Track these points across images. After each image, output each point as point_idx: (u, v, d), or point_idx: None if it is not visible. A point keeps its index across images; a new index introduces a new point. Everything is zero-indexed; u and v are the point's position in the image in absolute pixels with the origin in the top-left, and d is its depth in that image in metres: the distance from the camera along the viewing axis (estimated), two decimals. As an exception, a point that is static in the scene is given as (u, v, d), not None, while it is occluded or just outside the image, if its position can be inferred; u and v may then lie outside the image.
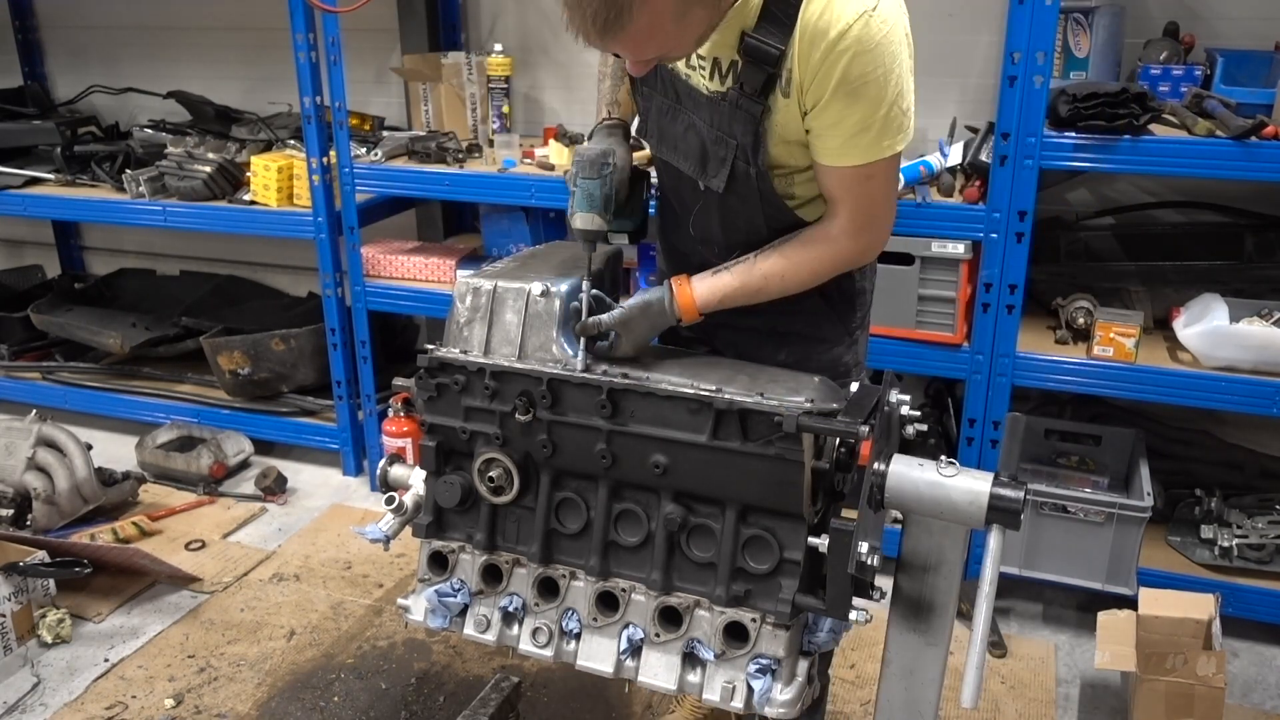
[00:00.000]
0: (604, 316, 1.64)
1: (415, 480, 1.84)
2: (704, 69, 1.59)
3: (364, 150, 3.24)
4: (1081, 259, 2.86)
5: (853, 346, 1.85)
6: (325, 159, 3.22)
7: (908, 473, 1.43)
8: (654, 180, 1.89)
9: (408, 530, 1.82)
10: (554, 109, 3.59)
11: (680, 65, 1.62)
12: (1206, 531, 2.71)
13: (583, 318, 1.64)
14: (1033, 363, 2.60)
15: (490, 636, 1.75)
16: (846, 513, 1.50)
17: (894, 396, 1.51)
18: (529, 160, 3.10)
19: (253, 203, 3.38)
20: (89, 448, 3.21)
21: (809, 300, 1.73)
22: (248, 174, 3.41)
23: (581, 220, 1.62)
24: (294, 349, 3.59)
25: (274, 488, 3.46)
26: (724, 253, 1.74)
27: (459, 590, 1.76)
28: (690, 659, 1.64)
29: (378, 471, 1.88)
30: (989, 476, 1.41)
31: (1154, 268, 2.78)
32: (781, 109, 1.54)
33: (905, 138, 1.55)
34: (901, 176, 2.52)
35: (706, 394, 1.53)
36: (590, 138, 1.82)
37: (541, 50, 3.54)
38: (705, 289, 1.66)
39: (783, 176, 1.64)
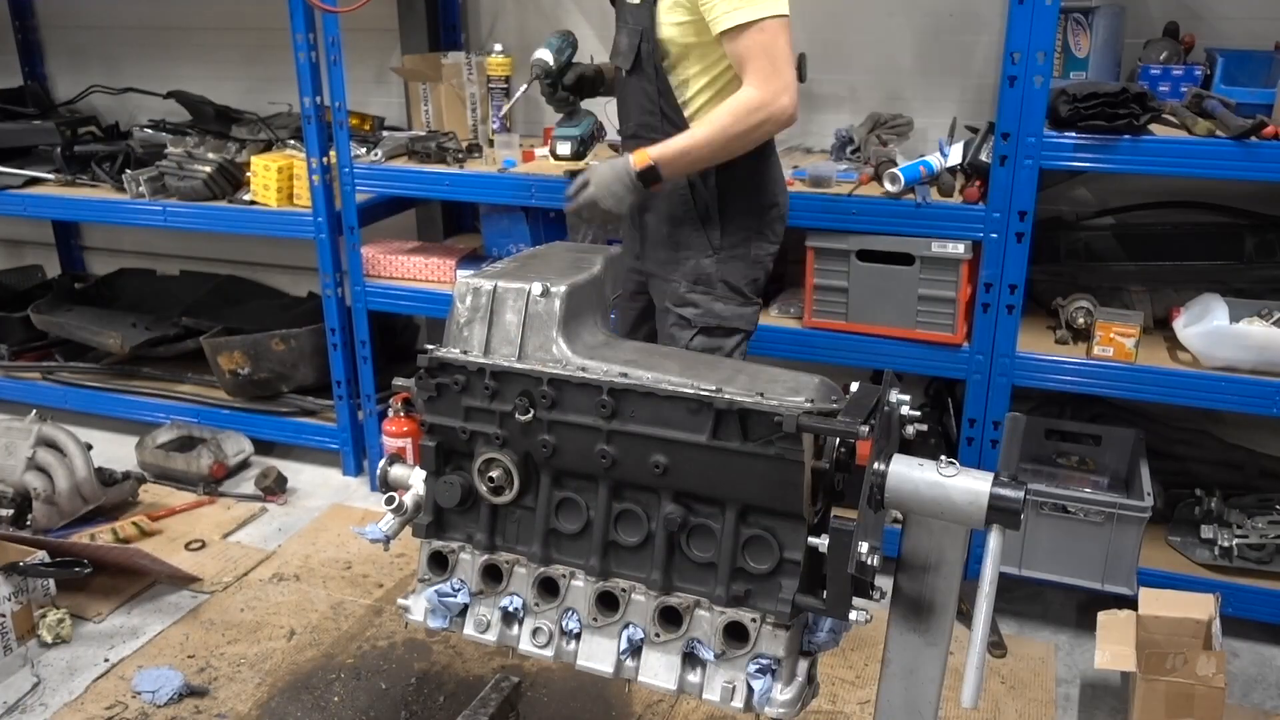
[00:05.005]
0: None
1: (415, 480, 1.84)
2: None
3: (364, 150, 3.24)
4: (1081, 259, 2.86)
5: (720, 263, 2.23)
6: (325, 159, 3.21)
7: (908, 473, 1.43)
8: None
9: (408, 530, 1.82)
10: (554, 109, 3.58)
11: None
12: (1206, 531, 2.70)
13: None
14: (1033, 363, 2.60)
15: (490, 636, 1.75)
16: (846, 513, 1.50)
17: (894, 396, 1.51)
18: (529, 160, 3.10)
19: (253, 203, 3.38)
20: (89, 448, 3.21)
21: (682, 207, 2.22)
22: (248, 174, 3.40)
23: (539, 54, 2.35)
24: (294, 349, 3.59)
25: (274, 488, 3.46)
26: (630, 138, 2.24)
27: (459, 590, 1.76)
28: (690, 659, 1.64)
29: (378, 471, 1.88)
30: (989, 476, 1.41)
31: (1154, 268, 2.79)
32: None
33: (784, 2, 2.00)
34: (902, 176, 2.53)
35: (706, 394, 1.53)
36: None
37: (541, 50, 3.53)
38: (655, 149, 2.08)
39: (675, 63, 2.11)
